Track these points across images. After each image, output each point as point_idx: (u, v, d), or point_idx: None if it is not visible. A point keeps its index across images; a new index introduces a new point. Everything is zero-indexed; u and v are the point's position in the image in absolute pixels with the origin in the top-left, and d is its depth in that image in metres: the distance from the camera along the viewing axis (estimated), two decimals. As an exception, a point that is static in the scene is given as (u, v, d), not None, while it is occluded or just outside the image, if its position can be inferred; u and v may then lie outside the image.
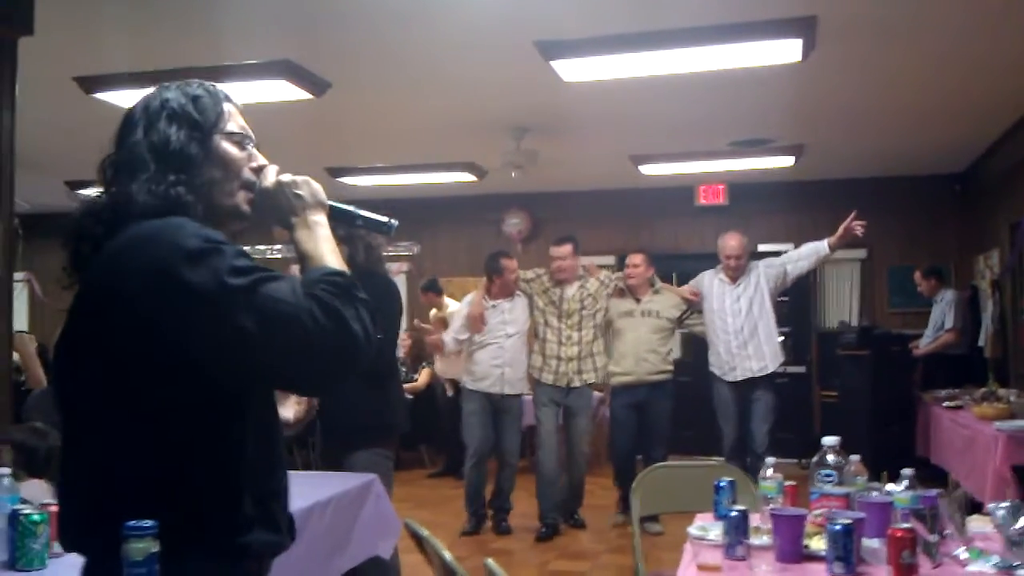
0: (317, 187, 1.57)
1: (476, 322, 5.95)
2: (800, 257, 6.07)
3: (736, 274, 6.00)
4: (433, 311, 8.51)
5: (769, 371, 5.92)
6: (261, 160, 1.59)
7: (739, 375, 5.94)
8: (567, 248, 6.06)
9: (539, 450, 6.09)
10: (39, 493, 2.78)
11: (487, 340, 5.99)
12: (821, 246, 5.95)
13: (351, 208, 1.63)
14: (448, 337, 6.18)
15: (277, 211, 1.55)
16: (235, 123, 1.58)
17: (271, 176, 1.57)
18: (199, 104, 1.54)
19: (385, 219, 1.65)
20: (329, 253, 1.50)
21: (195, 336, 1.33)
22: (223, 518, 1.39)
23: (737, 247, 5.98)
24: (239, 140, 1.57)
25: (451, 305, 8.25)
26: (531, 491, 6.13)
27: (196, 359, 1.34)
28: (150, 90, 1.61)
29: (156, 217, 1.42)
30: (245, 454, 1.41)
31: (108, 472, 1.38)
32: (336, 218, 1.59)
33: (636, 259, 6.20)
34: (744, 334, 5.92)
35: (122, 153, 1.54)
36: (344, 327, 1.35)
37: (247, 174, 1.56)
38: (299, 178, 1.57)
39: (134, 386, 1.37)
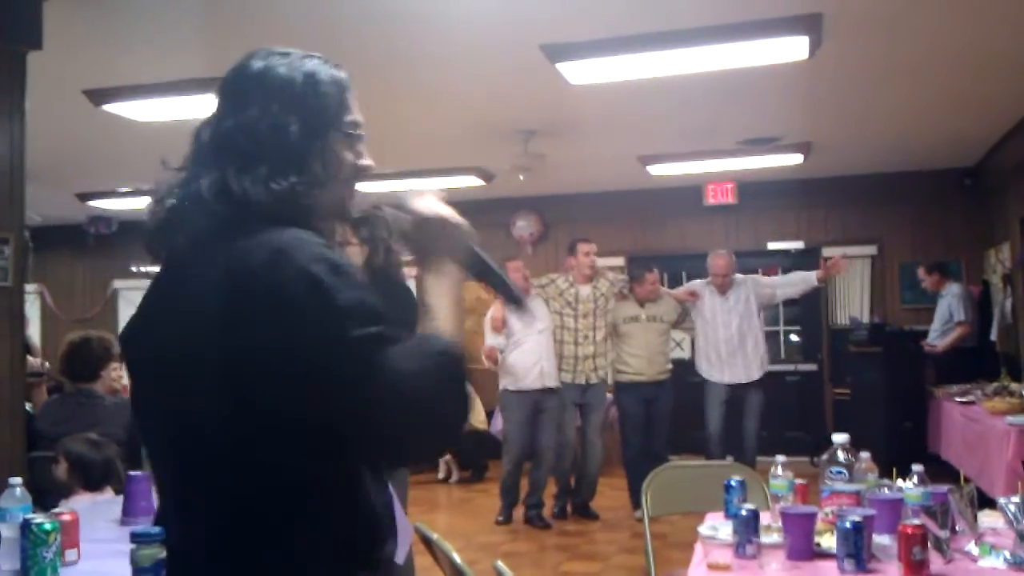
0: (469, 231, 1.44)
1: (497, 323, 6.39)
2: (788, 283, 6.75)
3: (724, 289, 6.50)
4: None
5: (755, 379, 6.45)
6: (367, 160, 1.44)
7: (727, 379, 6.45)
8: (593, 244, 6.45)
9: (562, 448, 6.42)
10: (90, 507, 2.80)
11: (521, 339, 6.30)
12: (809, 277, 6.57)
13: (494, 265, 1.50)
14: (492, 341, 6.45)
15: (416, 242, 1.42)
16: (354, 114, 1.42)
17: (432, 205, 1.43)
18: (320, 90, 1.38)
19: (518, 293, 1.62)
20: (450, 315, 1.35)
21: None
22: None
23: (724, 266, 6.48)
24: (355, 136, 1.42)
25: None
26: (551, 491, 6.42)
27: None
28: (258, 54, 1.40)
29: (276, 222, 1.28)
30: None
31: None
32: (471, 267, 1.46)
33: (656, 276, 6.59)
34: (733, 343, 6.43)
35: (233, 129, 1.35)
36: (442, 417, 1.24)
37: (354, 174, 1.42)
38: (461, 221, 1.43)
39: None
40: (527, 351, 6.28)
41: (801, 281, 6.63)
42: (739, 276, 6.60)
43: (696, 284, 6.69)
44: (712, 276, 6.55)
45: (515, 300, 1.62)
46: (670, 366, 6.57)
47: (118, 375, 4.18)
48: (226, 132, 1.35)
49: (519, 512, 6.41)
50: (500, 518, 6.40)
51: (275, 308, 1.20)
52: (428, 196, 1.44)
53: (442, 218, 1.42)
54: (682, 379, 6.94)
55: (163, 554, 1.14)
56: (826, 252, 8.70)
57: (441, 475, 8.14)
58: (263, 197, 1.30)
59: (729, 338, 6.44)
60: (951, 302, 7.29)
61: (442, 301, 1.36)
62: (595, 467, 6.52)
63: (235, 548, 1.27)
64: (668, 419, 6.47)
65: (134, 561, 1.12)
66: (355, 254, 3.74)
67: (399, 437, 1.22)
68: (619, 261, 8.62)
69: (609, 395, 6.80)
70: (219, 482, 1.27)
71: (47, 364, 5.77)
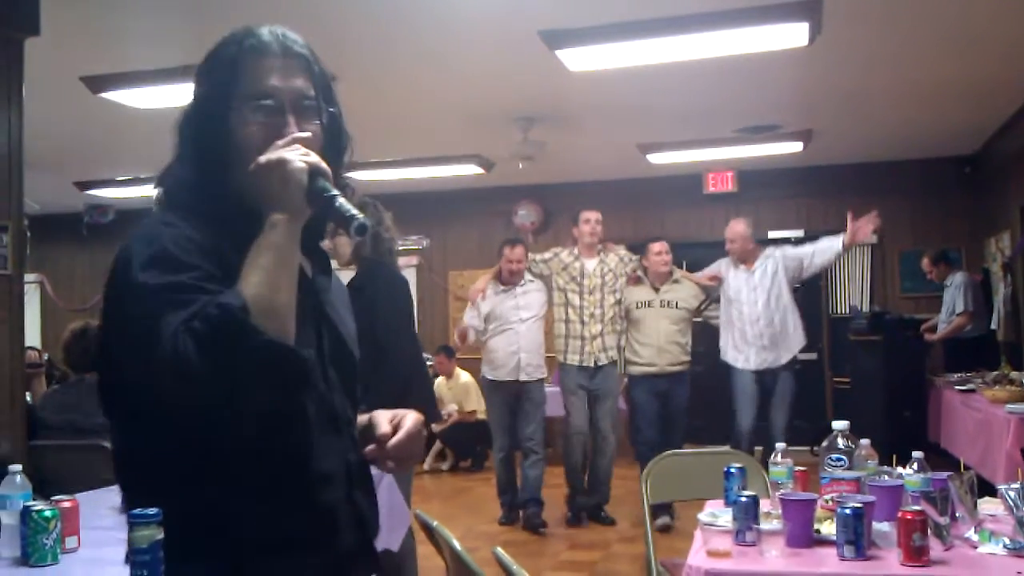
0: (293, 168, 1.28)
1: (474, 293, 6.05)
2: (817, 252, 5.90)
3: (745, 259, 5.91)
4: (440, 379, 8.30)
5: (783, 362, 5.83)
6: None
7: (754, 365, 5.84)
8: (598, 213, 6.04)
9: (568, 439, 6.03)
10: (91, 495, 2.79)
11: (502, 326, 5.97)
12: (836, 244, 5.82)
13: (332, 191, 1.31)
14: (469, 318, 6.09)
15: (256, 195, 1.30)
16: (261, 82, 1.37)
17: (272, 152, 1.30)
18: (213, 64, 1.44)
19: (358, 215, 1.30)
20: (257, 271, 1.23)
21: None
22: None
23: (738, 232, 5.91)
24: (262, 107, 1.37)
25: (462, 376, 8.34)
26: (551, 484, 6.14)
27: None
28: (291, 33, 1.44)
29: (175, 211, 1.39)
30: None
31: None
32: (314, 207, 1.31)
33: (662, 246, 6.04)
34: (760, 324, 5.80)
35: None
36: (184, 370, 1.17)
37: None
38: (281, 154, 1.29)
39: None
40: (506, 340, 5.92)
41: (828, 248, 5.87)
42: (768, 249, 6.01)
43: (722, 263, 6.07)
44: (728, 244, 5.96)
45: (351, 225, 1.29)
46: (688, 357, 6.00)
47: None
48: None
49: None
50: (501, 520, 6.10)
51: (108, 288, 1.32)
52: (278, 144, 1.31)
53: (273, 161, 1.28)
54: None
55: (160, 535, 1.14)
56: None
57: (428, 467, 8.14)
58: (164, 188, 1.40)
59: (755, 318, 5.81)
60: (954, 292, 7.29)
61: (258, 258, 1.24)
62: (607, 463, 6.02)
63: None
64: (684, 414, 5.99)
65: (131, 542, 1.12)
66: (343, 245, 3.73)
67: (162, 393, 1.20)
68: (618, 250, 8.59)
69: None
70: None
71: (45, 355, 5.78)
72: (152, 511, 1.18)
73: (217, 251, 1.29)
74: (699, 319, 6.40)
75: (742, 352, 5.89)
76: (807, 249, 5.97)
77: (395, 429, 1.44)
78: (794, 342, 5.88)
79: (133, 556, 1.16)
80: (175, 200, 1.40)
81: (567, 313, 5.97)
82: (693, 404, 6.20)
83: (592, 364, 5.91)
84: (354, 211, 1.30)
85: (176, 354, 1.16)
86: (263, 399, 1.23)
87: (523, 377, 5.92)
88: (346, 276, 3.59)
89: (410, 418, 1.46)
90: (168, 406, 1.22)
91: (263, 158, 1.29)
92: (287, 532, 1.33)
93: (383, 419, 1.46)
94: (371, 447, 1.43)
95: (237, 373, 1.18)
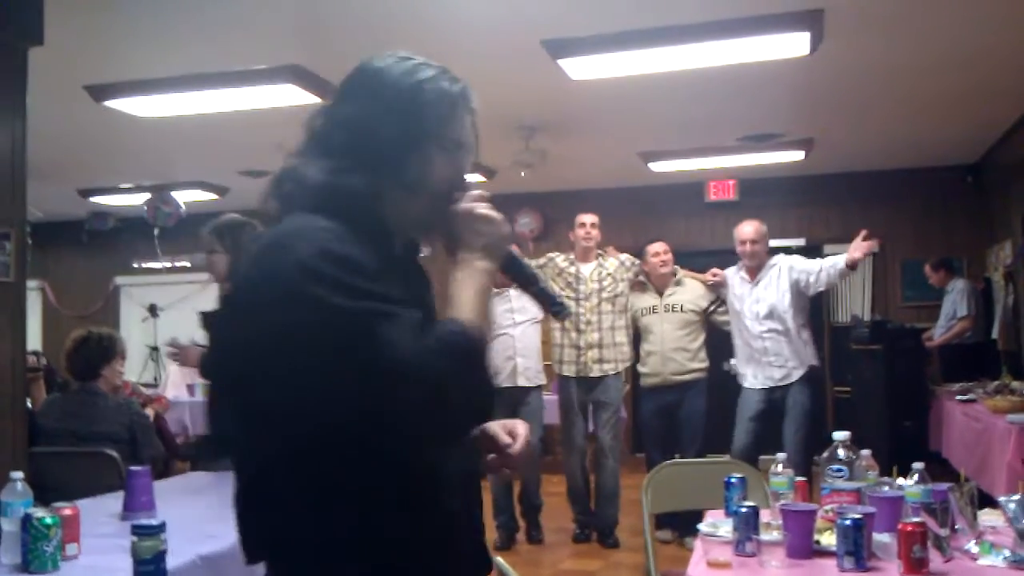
0: (506, 231, 1.42)
1: None
2: (824, 270, 5.28)
3: (754, 263, 5.42)
4: None
5: (792, 380, 5.29)
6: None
7: (759, 383, 5.36)
8: (594, 216, 5.79)
9: (567, 459, 5.78)
10: (91, 503, 2.79)
11: (495, 332, 5.59)
12: (840, 263, 5.20)
13: (532, 270, 1.49)
14: None
15: (447, 234, 1.41)
16: (459, 132, 1.45)
17: (467, 200, 1.42)
18: (424, 99, 1.40)
19: (559, 300, 1.53)
20: (471, 306, 1.32)
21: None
22: None
23: (750, 232, 5.41)
24: (456, 154, 1.44)
25: None
26: (550, 491, 6.07)
27: None
28: (384, 55, 1.42)
29: (322, 211, 1.30)
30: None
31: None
32: (511, 271, 1.45)
33: (660, 246, 5.77)
34: (764, 340, 5.33)
35: (330, 122, 1.42)
36: (451, 394, 1.22)
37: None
38: (494, 214, 1.41)
39: None
40: (501, 345, 5.58)
41: (832, 266, 5.26)
42: (775, 257, 5.46)
43: (728, 272, 5.61)
44: (740, 245, 5.44)
45: (554, 306, 1.52)
46: (699, 364, 5.62)
47: (121, 371, 4.19)
48: (323, 124, 1.40)
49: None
50: (497, 543, 5.64)
51: (268, 295, 1.22)
52: (471, 195, 1.43)
53: (472, 211, 1.40)
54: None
55: (164, 546, 1.14)
56: (828, 249, 8.72)
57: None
58: (319, 184, 1.32)
59: (758, 333, 5.34)
60: (955, 298, 7.30)
61: (465, 292, 1.33)
62: (609, 477, 5.64)
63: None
64: (699, 427, 5.57)
65: (135, 553, 1.12)
66: (220, 262, 3.71)
67: (402, 412, 1.20)
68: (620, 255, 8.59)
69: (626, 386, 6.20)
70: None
71: (43, 360, 5.78)
72: (156, 522, 1.18)
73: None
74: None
75: (748, 368, 5.45)
76: (814, 265, 5.36)
77: (512, 438, 1.51)
78: (804, 357, 5.34)
79: (137, 567, 1.16)
80: (303, 203, 1.33)
81: (563, 322, 5.63)
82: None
83: (590, 375, 5.63)
84: (556, 293, 1.51)
85: (430, 371, 1.20)
86: (469, 424, 1.35)
87: (522, 382, 5.67)
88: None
89: (521, 426, 1.53)
90: (396, 423, 1.21)
91: (482, 209, 1.40)
92: (430, 538, 1.35)
93: (498, 429, 1.51)
94: (493, 456, 1.50)
95: (468, 396, 1.26)
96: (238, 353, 1.27)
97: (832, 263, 5.30)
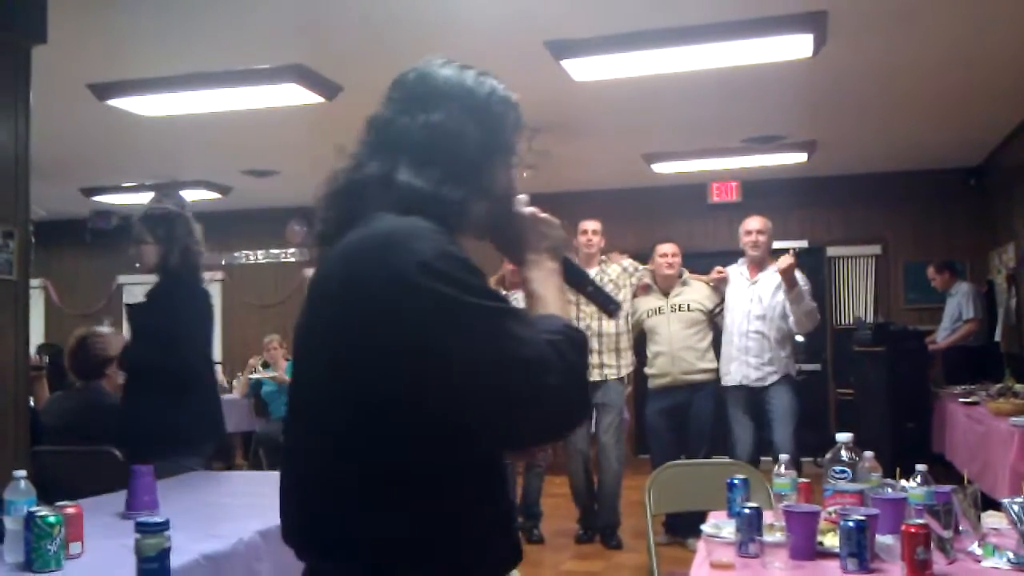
0: (564, 235, 1.52)
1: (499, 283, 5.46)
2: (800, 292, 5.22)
3: (757, 255, 5.42)
4: None
5: (768, 383, 5.32)
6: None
7: (734, 380, 5.39)
8: (597, 223, 5.77)
9: (569, 460, 5.78)
10: (94, 501, 2.80)
11: None
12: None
13: (585, 272, 1.60)
14: None
15: (510, 239, 1.49)
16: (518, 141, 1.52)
17: (522, 203, 1.50)
18: (498, 109, 1.48)
19: (614, 300, 1.65)
20: (559, 304, 1.43)
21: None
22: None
23: (759, 224, 5.45)
24: (513, 162, 1.52)
25: None
26: (552, 492, 6.07)
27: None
28: (445, 62, 1.48)
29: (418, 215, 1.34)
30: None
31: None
32: (567, 272, 1.53)
33: (671, 247, 5.73)
34: (748, 339, 5.35)
35: (413, 126, 1.44)
36: (578, 387, 1.32)
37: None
38: (552, 219, 1.51)
39: None
40: None
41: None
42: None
43: (730, 268, 5.64)
44: (744, 236, 5.47)
45: (609, 306, 1.63)
46: (708, 365, 5.54)
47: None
48: (404, 128, 1.40)
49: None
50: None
51: (390, 292, 1.21)
52: (521, 200, 1.50)
53: (536, 214, 1.48)
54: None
55: (168, 544, 1.14)
56: (831, 252, 8.73)
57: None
58: (415, 190, 1.33)
59: (745, 331, 5.36)
60: (960, 300, 7.29)
61: (549, 291, 1.43)
62: (611, 480, 5.63)
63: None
64: (708, 430, 5.51)
65: (139, 551, 1.12)
66: (150, 253, 3.68)
67: (550, 397, 1.24)
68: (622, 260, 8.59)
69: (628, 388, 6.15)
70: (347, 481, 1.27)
71: (45, 358, 5.78)
72: (160, 520, 1.18)
73: None
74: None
75: (730, 365, 5.43)
76: (805, 290, 5.28)
77: None
78: (782, 366, 5.35)
79: (141, 565, 1.16)
80: (393, 205, 1.35)
81: None
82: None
83: (590, 379, 5.38)
84: (603, 289, 1.62)
85: (562, 361, 1.26)
86: (590, 407, 1.39)
87: None
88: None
89: None
90: (528, 415, 1.25)
91: (542, 213, 1.49)
92: (498, 530, 1.38)
93: None
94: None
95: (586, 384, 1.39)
96: (344, 345, 1.25)
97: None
